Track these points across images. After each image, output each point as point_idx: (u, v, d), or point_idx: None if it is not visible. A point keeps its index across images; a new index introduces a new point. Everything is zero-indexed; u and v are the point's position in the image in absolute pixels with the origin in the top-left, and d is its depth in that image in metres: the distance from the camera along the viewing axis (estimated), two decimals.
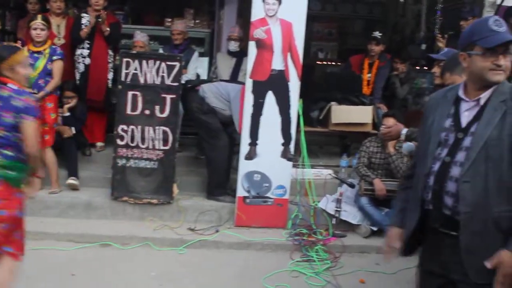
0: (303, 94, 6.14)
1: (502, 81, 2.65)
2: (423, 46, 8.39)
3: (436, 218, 2.78)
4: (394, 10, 11.03)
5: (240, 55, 7.01)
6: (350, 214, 6.06)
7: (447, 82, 3.75)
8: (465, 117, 2.71)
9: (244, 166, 5.98)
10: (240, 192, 6.01)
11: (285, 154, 5.99)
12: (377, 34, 7.30)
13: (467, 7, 6.89)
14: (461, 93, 2.76)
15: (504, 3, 7.63)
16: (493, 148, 2.57)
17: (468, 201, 2.61)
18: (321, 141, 7.63)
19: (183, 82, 6.38)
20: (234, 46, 7.17)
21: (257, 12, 5.80)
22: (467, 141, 2.65)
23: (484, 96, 2.67)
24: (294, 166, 6.19)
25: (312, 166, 6.47)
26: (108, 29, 6.72)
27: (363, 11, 11.07)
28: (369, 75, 7.33)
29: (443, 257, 2.78)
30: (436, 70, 4.48)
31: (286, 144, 5.98)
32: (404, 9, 10.70)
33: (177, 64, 5.98)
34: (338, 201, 5.89)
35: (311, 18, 10.34)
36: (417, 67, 8.25)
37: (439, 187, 2.73)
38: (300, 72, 5.90)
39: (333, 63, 9.91)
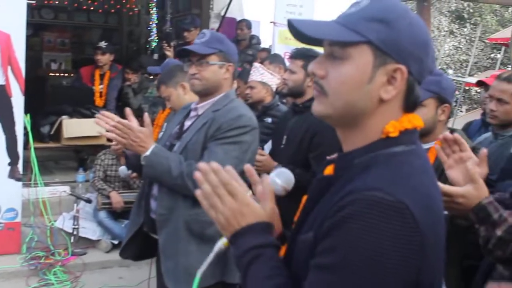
0: (31, 109, 5.82)
1: (198, 89, 2.77)
2: (155, 56, 8.52)
3: (146, 222, 2.83)
4: (129, 20, 11.06)
5: None
6: (90, 230, 5.90)
7: (164, 95, 3.82)
8: (186, 126, 2.81)
9: None
10: None
11: (13, 174, 5.58)
12: (102, 43, 7.22)
13: (188, 19, 7.16)
14: (193, 104, 2.86)
15: (230, 15, 8.12)
16: (190, 151, 2.67)
17: (165, 203, 2.68)
18: (56, 157, 7.32)
19: None
20: None
21: None
22: (176, 146, 2.75)
23: (202, 106, 2.78)
24: (25, 186, 5.82)
25: (47, 184, 6.14)
26: None
27: (99, 20, 10.95)
28: (101, 86, 7.21)
29: (160, 264, 2.81)
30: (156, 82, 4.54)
31: (13, 163, 5.57)
32: (139, 18, 10.79)
33: None
34: (76, 218, 5.68)
35: (42, 28, 9.93)
36: (151, 76, 8.36)
37: (148, 190, 2.81)
38: (24, 86, 5.55)
39: (68, 74, 9.56)
